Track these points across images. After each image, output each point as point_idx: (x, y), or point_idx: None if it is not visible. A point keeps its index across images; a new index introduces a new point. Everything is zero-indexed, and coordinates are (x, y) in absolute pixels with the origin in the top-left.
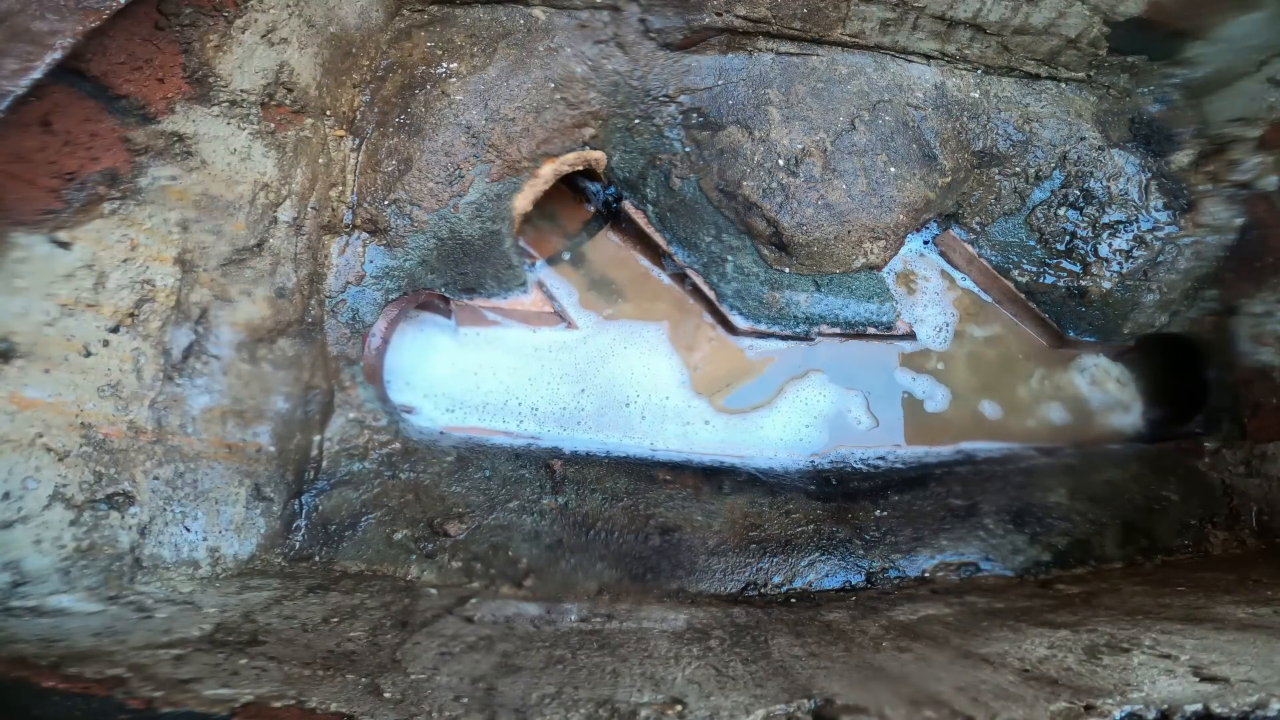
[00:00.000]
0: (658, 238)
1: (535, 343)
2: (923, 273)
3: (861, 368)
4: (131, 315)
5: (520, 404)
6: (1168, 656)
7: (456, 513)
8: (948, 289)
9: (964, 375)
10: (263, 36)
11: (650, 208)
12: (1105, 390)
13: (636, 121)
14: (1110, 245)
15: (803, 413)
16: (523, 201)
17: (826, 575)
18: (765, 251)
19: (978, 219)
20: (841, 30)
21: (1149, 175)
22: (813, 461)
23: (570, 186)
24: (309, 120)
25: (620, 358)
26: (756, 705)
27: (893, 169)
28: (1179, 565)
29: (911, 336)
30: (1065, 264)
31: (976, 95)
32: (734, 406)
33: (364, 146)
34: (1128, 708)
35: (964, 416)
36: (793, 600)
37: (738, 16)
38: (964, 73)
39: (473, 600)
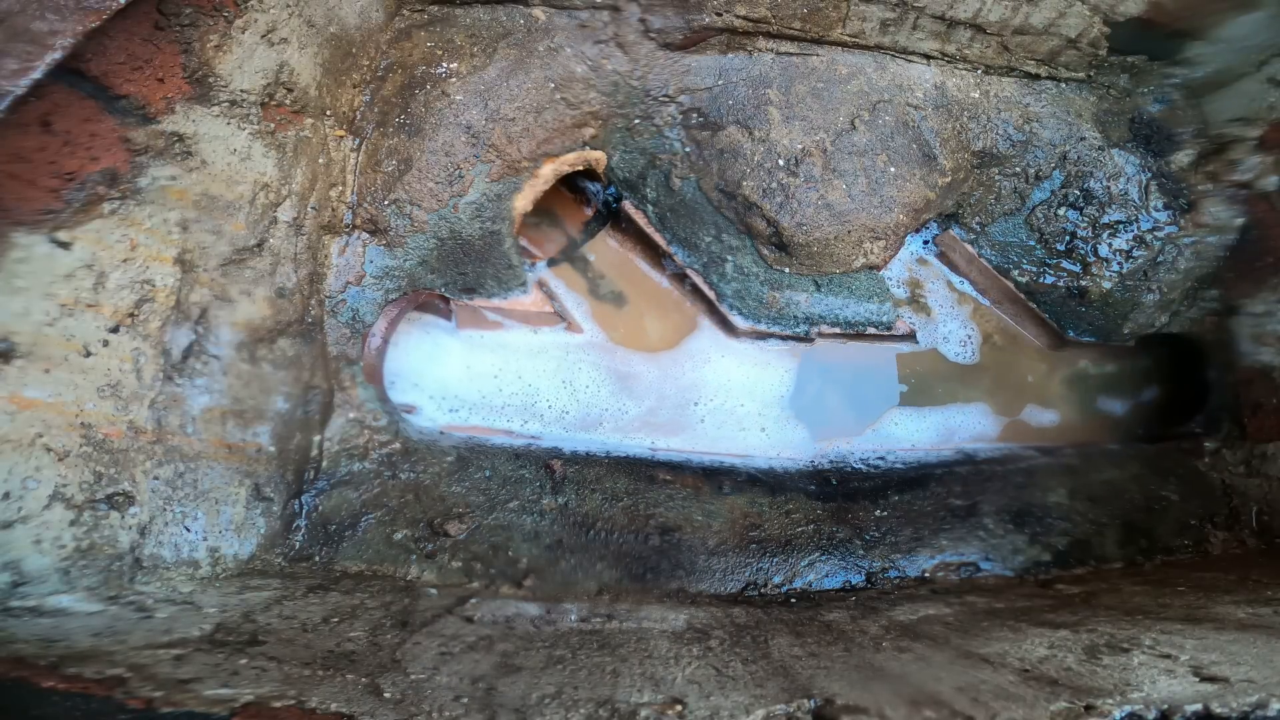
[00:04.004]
0: (658, 238)
1: (559, 343)
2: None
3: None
4: (131, 315)
5: (550, 406)
6: (1168, 656)
7: (456, 513)
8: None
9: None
10: (263, 36)
11: (650, 208)
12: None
13: (636, 121)
14: (1110, 245)
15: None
16: (523, 201)
17: (826, 575)
18: (765, 251)
19: (978, 219)
20: (841, 30)
21: (1149, 175)
22: (813, 461)
23: (570, 187)
24: (309, 120)
25: (716, 364)
26: (756, 705)
27: (893, 169)
28: (1179, 565)
29: (911, 337)
30: (1065, 264)
31: (976, 95)
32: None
33: (364, 146)
34: (1128, 708)
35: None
36: (793, 600)
37: (738, 16)
38: (964, 73)
39: (473, 600)
